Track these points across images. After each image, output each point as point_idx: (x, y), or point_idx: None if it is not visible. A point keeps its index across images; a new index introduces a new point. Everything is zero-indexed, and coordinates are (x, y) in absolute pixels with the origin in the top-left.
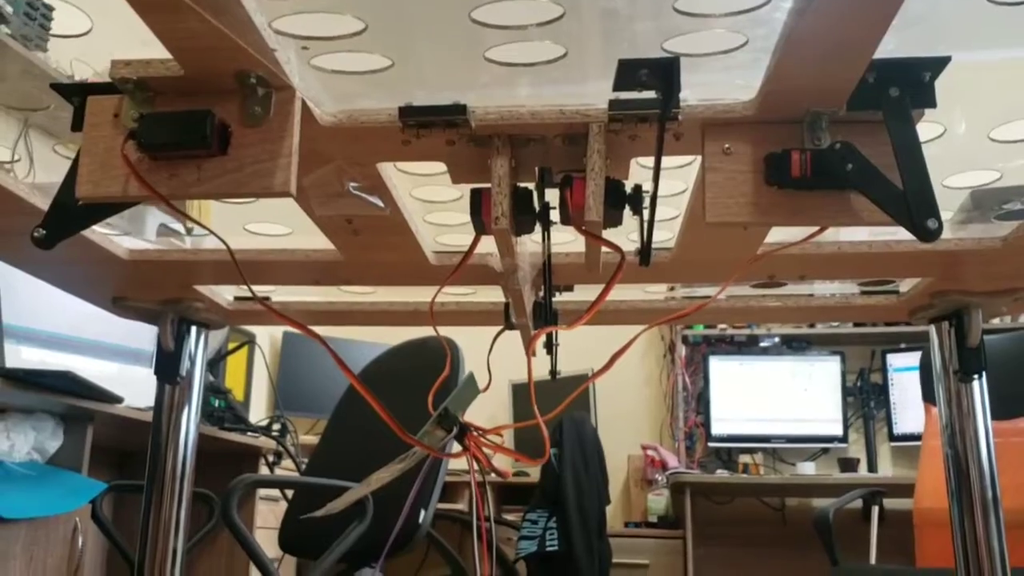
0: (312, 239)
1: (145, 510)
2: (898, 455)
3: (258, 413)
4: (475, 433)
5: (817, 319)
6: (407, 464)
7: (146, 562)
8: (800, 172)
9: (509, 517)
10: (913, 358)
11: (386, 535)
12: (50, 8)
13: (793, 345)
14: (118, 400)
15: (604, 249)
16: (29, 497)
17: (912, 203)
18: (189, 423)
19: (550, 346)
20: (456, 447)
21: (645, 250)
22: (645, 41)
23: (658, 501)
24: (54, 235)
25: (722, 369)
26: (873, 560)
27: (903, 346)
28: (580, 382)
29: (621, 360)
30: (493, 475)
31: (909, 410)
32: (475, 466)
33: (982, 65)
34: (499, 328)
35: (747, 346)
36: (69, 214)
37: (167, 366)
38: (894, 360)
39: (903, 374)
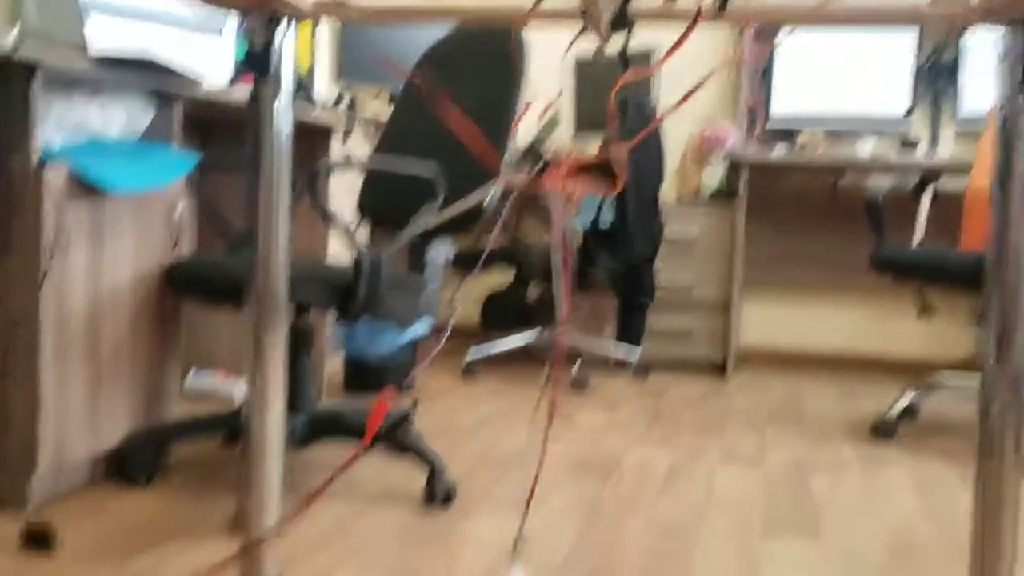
0: None
1: (251, 190)
2: (962, 137)
3: (322, 84)
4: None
5: (885, 23)
6: (496, 190)
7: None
8: None
9: None
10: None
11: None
12: None
13: None
14: (198, 80)
15: None
16: (132, 170)
17: None
18: (283, 113)
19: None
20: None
21: None
22: None
23: (713, 175)
24: None
25: (791, 40)
26: (917, 241)
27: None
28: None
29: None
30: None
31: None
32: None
33: None
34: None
35: None
36: None
37: (260, 60)
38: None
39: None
